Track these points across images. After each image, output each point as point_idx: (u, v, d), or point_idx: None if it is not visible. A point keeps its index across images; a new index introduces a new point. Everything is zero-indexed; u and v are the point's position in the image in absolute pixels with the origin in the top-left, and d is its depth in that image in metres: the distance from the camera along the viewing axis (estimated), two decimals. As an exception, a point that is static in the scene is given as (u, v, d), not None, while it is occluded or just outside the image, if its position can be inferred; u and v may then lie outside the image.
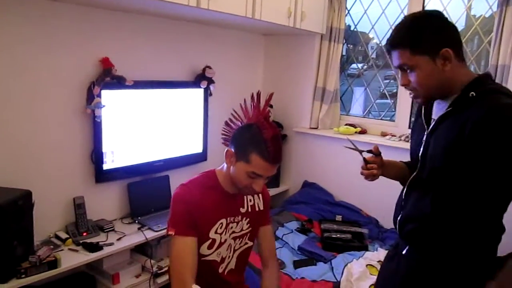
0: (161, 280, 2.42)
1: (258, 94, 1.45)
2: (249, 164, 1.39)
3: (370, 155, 1.49)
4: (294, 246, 2.77)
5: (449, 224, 1.28)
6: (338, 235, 2.87)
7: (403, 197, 1.45)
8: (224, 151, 1.49)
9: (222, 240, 1.53)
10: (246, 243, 1.64)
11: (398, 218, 1.45)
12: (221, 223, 1.51)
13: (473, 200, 1.23)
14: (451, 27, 1.25)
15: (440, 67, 1.22)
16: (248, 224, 1.61)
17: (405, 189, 1.46)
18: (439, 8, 3.11)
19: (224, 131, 1.53)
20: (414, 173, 1.41)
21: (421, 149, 1.36)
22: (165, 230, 1.67)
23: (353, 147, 1.49)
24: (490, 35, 2.81)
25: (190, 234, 1.43)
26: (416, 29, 1.22)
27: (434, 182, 1.30)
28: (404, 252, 1.45)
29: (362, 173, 1.48)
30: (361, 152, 1.47)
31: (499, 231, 1.33)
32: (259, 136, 1.38)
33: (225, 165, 1.51)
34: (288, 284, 2.34)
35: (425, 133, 1.36)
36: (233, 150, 1.43)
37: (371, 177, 1.46)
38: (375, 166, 1.45)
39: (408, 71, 1.26)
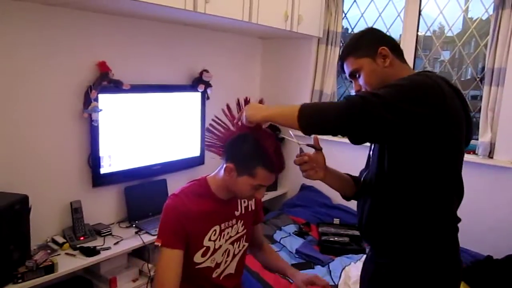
0: (159, 284, 2.42)
1: (246, 100, 1.43)
2: (254, 178, 1.37)
3: (311, 149, 1.45)
4: (292, 250, 2.76)
5: (403, 220, 1.31)
6: (335, 238, 2.86)
7: (361, 198, 1.50)
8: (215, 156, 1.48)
9: (217, 247, 1.51)
10: (244, 245, 1.63)
11: (358, 221, 1.49)
12: (215, 230, 1.49)
13: (418, 186, 1.27)
14: (387, 35, 1.43)
15: (381, 65, 1.34)
16: (243, 226, 1.60)
17: (361, 190, 1.50)
18: (436, 11, 3.13)
19: (207, 138, 1.50)
20: (366, 173, 1.48)
21: (371, 151, 1.45)
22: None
23: (292, 138, 1.47)
24: (487, 38, 2.82)
25: (178, 247, 1.41)
26: (356, 40, 1.40)
27: (383, 181, 1.34)
28: (368, 253, 1.53)
29: (295, 162, 1.43)
30: (298, 143, 1.44)
31: (453, 222, 1.35)
32: (260, 149, 1.36)
33: (220, 174, 1.48)
34: (285, 288, 2.34)
35: None
36: (233, 165, 1.39)
37: (303, 164, 1.41)
38: (306, 158, 1.41)
39: (357, 76, 1.38)
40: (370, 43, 1.36)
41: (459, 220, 1.35)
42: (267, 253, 1.81)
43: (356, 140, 1.16)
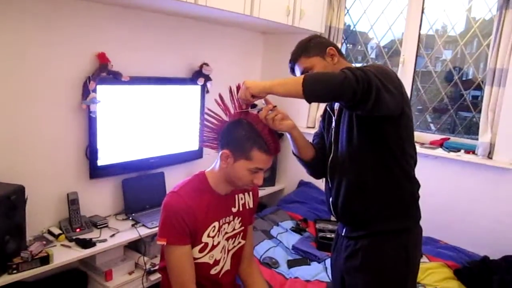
0: (154, 277, 2.41)
1: (238, 87, 1.42)
2: (250, 161, 1.39)
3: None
4: (289, 246, 2.76)
5: (377, 189, 1.46)
6: (332, 235, 2.85)
7: (329, 180, 1.61)
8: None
9: (215, 243, 1.51)
10: (240, 242, 1.63)
11: (330, 201, 1.59)
12: (214, 226, 1.49)
13: (386, 156, 1.43)
14: (331, 41, 1.64)
15: (330, 63, 1.52)
16: (240, 224, 1.60)
17: (327, 172, 1.61)
18: (439, 10, 3.12)
19: (205, 133, 1.50)
20: (331, 156, 1.58)
21: (332, 134, 1.57)
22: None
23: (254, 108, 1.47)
24: (490, 38, 2.80)
25: (185, 243, 1.42)
26: (305, 43, 1.57)
27: (351, 159, 1.48)
28: (343, 233, 1.61)
29: (261, 116, 1.42)
30: (255, 104, 1.45)
31: (416, 184, 1.53)
32: (254, 130, 1.39)
33: (217, 166, 1.49)
34: (281, 284, 2.34)
35: (333, 119, 1.57)
36: (228, 151, 1.41)
37: (273, 111, 1.42)
38: (271, 106, 1.44)
39: None
40: (318, 45, 1.54)
41: (419, 185, 1.53)
42: (250, 275, 1.71)
43: (354, 105, 1.26)
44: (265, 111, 1.41)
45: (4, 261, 1.86)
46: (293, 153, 1.67)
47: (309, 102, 1.30)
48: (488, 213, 2.78)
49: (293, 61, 1.57)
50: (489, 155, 2.78)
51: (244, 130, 1.40)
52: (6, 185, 1.92)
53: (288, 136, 1.57)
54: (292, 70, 1.60)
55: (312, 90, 1.25)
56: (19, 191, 1.93)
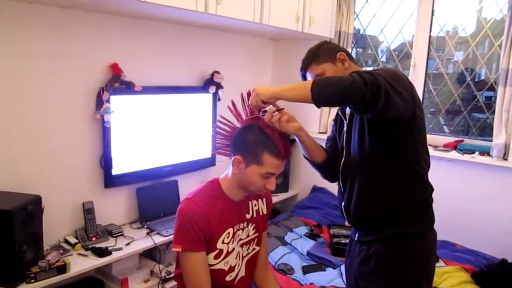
0: (170, 285, 2.42)
1: (249, 93, 1.43)
2: (262, 166, 1.39)
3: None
4: (303, 252, 2.75)
5: (390, 194, 1.45)
6: (347, 240, 2.83)
7: (341, 184, 1.60)
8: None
9: (230, 249, 1.51)
10: (254, 249, 1.63)
11: (343, 205, 1.59)
12: (228, 232, 1.50)
13: (398, 159, 1.43)
14: (341, 46, 1.59)
15: (341, 68, 1.53)
16: (254, 230, 1.60)
17: (340, 176, 1.60)
18: (449, 11, 3.10)
19: (217, 140, 1.51)
20: (343, 160, 1.58)
21: (344, 138, 1.57)
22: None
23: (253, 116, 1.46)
24: (501, 38, 2.78)
25: (200, 249, 1.43)
26: (315, 50, 1.58)
27: (363, 163, 1.48)
28: (356, 238, 1.60)
29: (266, 118, 1.42)
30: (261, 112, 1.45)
31: (429, 188, 1.51)
32: (265, 136, 1.40)
33: (230, 173, 1.50)
34: (296, 290, 2.33)
35: (345, 124, 1.58)
36: (240, 156, 1.42)
37: (279, 113, 1.42)
38: (274, 109, 1.44)
39: None
40: (328, 51, 1.55)
41: (432, 188, 1.52)
42: (264, 281, 1.70)
43: (363, 108, 1.26)
44: (269, 113, 1.42)
45: (22, 271, 1.89)
46: (304, 156, 1.67)
47: (318, 106, 1.30)
48: (505, 215, 2.74)
49: (304, 68, 1.58)
50: (504, 156, 2.74)
51: (255, 134, 1.41)
52: (23, 196, 1.95)
53: (297, 139, 1.57)
54: (304, 78, 1.60)
55: (321, 95, 1.25)
56: (36, 201, 1.96)
